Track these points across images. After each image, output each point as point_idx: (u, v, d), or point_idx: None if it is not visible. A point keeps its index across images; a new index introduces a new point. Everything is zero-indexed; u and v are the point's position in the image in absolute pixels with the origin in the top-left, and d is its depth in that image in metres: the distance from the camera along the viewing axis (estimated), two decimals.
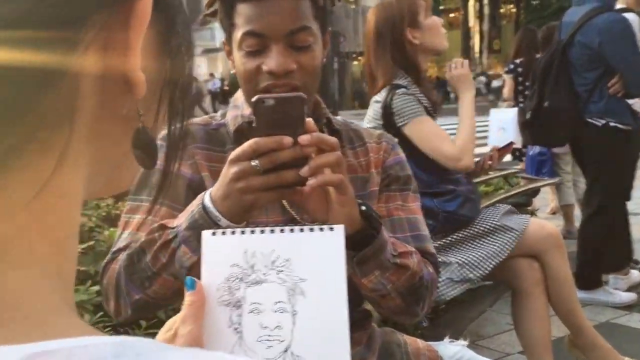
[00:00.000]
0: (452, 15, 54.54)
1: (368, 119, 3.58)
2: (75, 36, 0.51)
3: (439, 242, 3.51)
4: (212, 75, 39.17)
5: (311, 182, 1.42)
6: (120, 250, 1.73)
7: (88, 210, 4.04)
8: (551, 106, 5.06)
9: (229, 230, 1.15)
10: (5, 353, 0.43)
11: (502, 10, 53.65)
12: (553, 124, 5.08)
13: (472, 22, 50.31)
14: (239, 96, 1.93)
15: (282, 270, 1.08)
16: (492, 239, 3.49)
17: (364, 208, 1.58)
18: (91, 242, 3.52)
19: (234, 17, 1.76)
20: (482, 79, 43.55)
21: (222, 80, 38.37)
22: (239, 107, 1.91)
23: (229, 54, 1.85)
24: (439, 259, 3.43)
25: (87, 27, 0.51)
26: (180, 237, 1.54)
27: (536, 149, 7.42)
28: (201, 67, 43.75)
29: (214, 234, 1.14)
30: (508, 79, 7.98)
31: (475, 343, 4.35)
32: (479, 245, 3.50)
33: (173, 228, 1.58)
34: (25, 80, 0.48)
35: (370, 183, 1.93)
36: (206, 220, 1.49)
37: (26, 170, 0.50)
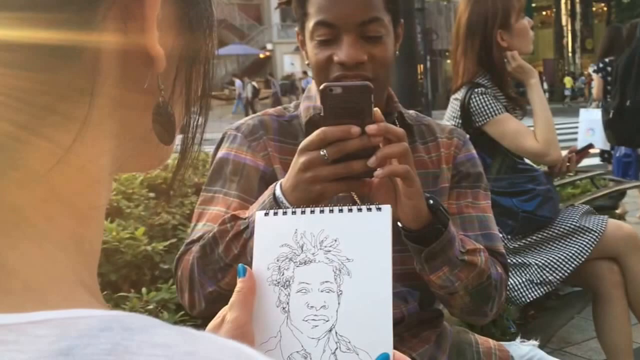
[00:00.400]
0: (544, 13, 53.70)
1: (447, 117, 3.55)
2: (92, 10, 0.52)
3: (518, 243, 3.46)
4: (305, 73, 39.25)
5: (378, 172, 1.41)
6: (193, 242, 1.72)
7: (172, 208, 4.00)
8: (633, 105, 4.94)
9: (280, 211, 1.15)
10: None
11: (593, 9, 52.53)
12: (636, 123, 4.97)
13: (564, 20, 49.36)
14: (312, 87, 1.93)
15: (329, 250, 1.08)
16: (571, 241, 3.42)
17: (431, 202, 1.56)
18: (174, 240, 3.52)
19: (307, 6, 1.78)
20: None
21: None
22: (311, 98, 1.91)
23: (303, 44, 1.87)
24: (518, 261, 3.40)
25: (102, 2, 0.53)
26: (252, 227, 1.50)
27: (622, 150, 7.25)
28: (294, 66, 44.00)
29: (266, 214, 1.14)
30: (597, 79, 7.81)
31: (563, 349, 4.29)
32: (558, 246, 3.44)
33: (245, 219, 1.58)
34: (45, 56, 0.50)
35: (441, 179, 1.91)
36: None
37: (46, 142, 0.52)
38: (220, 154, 1.88)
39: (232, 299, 1.03)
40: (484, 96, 3.36)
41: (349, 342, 1.02)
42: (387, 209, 1.12)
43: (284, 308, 1.06)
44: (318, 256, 1.08)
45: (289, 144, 1.84)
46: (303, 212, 1.13)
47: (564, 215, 3.52)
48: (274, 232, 1.12)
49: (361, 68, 1.72)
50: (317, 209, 1.13)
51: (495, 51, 3.40)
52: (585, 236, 3.41)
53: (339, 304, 1.04)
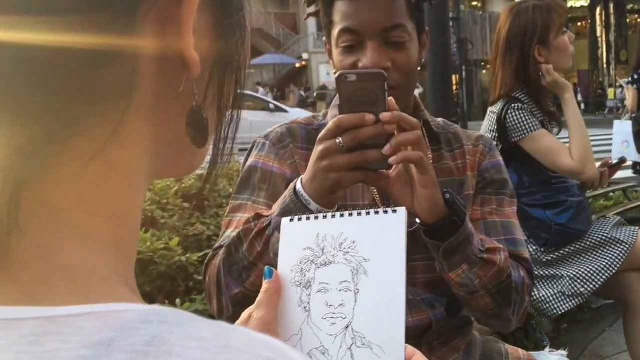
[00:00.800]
0: (579, 24, 53.17)
1: (484, 129, 3.54)
2: (132, 13, 0.54)
3: (550, 256, 3.47)
4: None
5: (392, 159, 1.43)
6: (221, 247, 1.73)
7: (207, 218, 4.04)
8: None
9: (304, 217, 1.21)
10: (39, 312, 0.48)
11: (627, 20, 51.87)
12: None
13: (599, 31, 48.85)
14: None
15: (348, 252, 1.13)
16: (602, 252, 3.42)
17: (448, 196, 1.57)
18: (208, 251, 3.40)
19: (333, 14, 1.80)
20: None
21: None
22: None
23: (330, 53, 1.88)
24: (550, 273, 3.40)
25: (141, 5, 0.55)
26: (274, 223, 1.55)
27: None
28: (330, 75, 43.12)
29: (291, 220, 1.21)
30: (632, 90, 7.74)
31: None
32: (589, 258, 3.43)
33: (267, 216, 1.60)
34: (85, 57, 0.52)
35: (466, 186, 1.91)
36: (297, 205, 1.51)
37: (84, 141, 0.54)
38: (249, 162, 1.91)
39: (258, 299, 1.09)
40: (520, 112, 3.36)
41: (364, 337, 1.07)
42: (402, 210, 1.17)
43: (305, 307, 1.11)
44: (337, 257, 1.13)
45: None
46: (325, 217, 1.19)
47: (595, 227, 3.52)
48: (298, 236, 1.18)
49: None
50: (338, 214, 1.19)
51: (531, 66, 3.40)
52: (616, 248, 3.41)
53: (355, 301, 1.10)
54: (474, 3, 47.90)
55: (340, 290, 1.11)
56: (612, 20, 48.27)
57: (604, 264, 3.39)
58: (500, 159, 2.00)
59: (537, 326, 4.03)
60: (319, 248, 1.15)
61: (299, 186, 1.53)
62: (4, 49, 0.49)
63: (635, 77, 7.53)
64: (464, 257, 1.62)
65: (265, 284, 1.11)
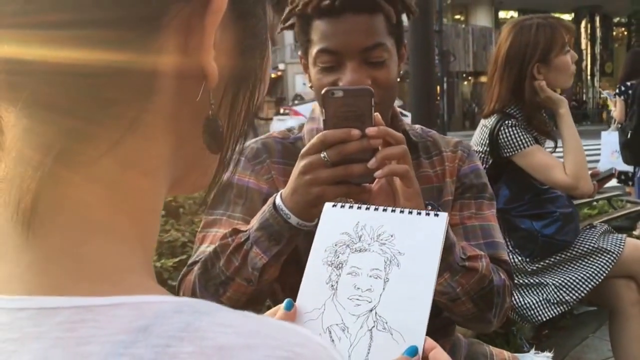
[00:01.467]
0: None
1: (475, 142, 3.54)
2: (156, 21, 0.56)
3: (536, 265, 3.45)
4: None
5: (378, 173, 1.43)
6: (195, 262, 1.73)
7: (181, 225, 4.11)
8: None
9: (347, 205, 1.26)
10: (74, 302, 0.51)
11: (614, 33, 52.77)
12: None
13: (584, 44, 49.56)
14: (316, 108, 1.94)
15: (384, 243, 1.17)
16: (589, 261, 3.41)
17: (430, 208, 1.57)
18: (183, 257, 3.57)
19: (310, 33, 1.77)
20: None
21: None
22: (315, 120, 1.91)
23: (306, 67, 1.85)
24: (535, 280, 3.40)
25: (167, 14, 0.57)
26: (252, 238, 1.56)
27: None
28: (305, 86, 43.75)
29: (334, 205, 1.27)
30: (619, 102, 7.79)
31: None
32: (575, 267, 3.42)
33: (245, 231, 1.59)
34: (107, 65, 0.54)
35: (445, 192, 1.91)
36: (276, 219, 1.52)
37: (103, 140, 0.56)
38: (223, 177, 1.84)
39: None
40: (514, 129, 3.35)
41: (386, 322, 1.10)
42: (443, 215, 1.21)
43: (332, 286, 1.16)
44: (373, 247, 1.18)
45: (292, 165, 1.76)
46: (367, 209, 1.25)
47: (582, 236, 3.51)
48: (337, 221, 1.24)
49: None
50: (381, 207, 1.24)
51: (527, 83, 3.38)
52: (603, 257, 3.38)
53: (383, 289, 1.13)
54: (457, 16, 48.50)
55: (370, 276, 1.15)
56: (598, 33, 49.00)
57: (590, 272, 3.39)
58: (479, 163, 2.00)
59: (517, 332, 4.02)
60: (357, 235, 1.20)
61: (278, 200, 1.54)
62: (35, 61, 0.52)
63: (623, 88, 7.66)
64: (446, 266, 1.60)
65: (281, 314, 1.14)
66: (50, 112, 0.54)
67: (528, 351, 3.63)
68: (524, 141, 3.34)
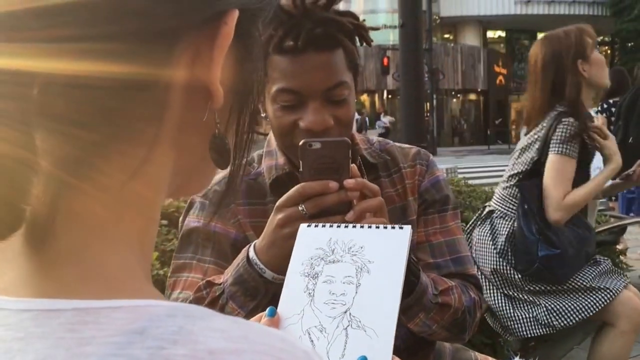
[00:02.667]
0: None
1: (523, 162, 3.48)
2: (171, 48, 0.59)
3: (533, 287, 3.41)
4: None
5: None
6: None
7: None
8: (636, 142, 4.97)
9: (321, 224, 1.33)
10: (75, 304, 0.53)
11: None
12: (636, 160, 5.02)
13: None
14: (272, 141, 1.87)
15: (355, 254, 1.25)
16: (584, 295, 3.36)
17: None
18: None
19: (267, 67, 1.68)
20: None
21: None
22: (273, 155, 1.84)
23: (259, 97, 1.78)
24: (529, 299, 3.35)
25: (181, 41, 0.60)
26: (227, 292, 1.54)
27: None
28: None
29: (309, 226, 1.33)
30: (601, 119, 7.82)
31: None
32: (570, 297, 3.38)
33: (220, 284, 1.57)
34: (125, 83, 0.56)
35: (409, 212, 1.87)
36: (250, 274, 1.50)
37: (121, 158, 0.59)
38: (188, 221, 1.82)
39: None
40: (570, 128, 3.31)
41: (360, 321, 1.17)
42: (407, 227, 1.29)
43: (309, 293, 1.23)
44: (345, 258, 1.26)
45: (258, 204, 1.80)
46: (339, 227, 1.32)
47: (582, 272, 3.42)
48: (312, 238, 1.31)
49: (327, 133, 1.66)
50: (350, 225, 1.32)
51: (569, 80, 3.39)
52: (599, 294, 3.33)
53: (356, 292, 1.21)
54: (446, 35, 48.40)
55: (343, 283, 1.22)
56: None
57: (583, 305, 3.35)
58: (440, 173, 1.96)
59: (505, 343, 4.02)
60: (330, 249, 1.28)
61: (252, 254, 1.52)
62: (54, 73, 0.54)
63: (605, 106, 7.64)
64: (420, 308, 1.61)
65: (265, 322, 1.19)
66: (68, 125, 0.56)
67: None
68: (567, 148, 3.30)
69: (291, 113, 1.68)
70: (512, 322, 3.45)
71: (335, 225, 1.32)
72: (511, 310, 3.47)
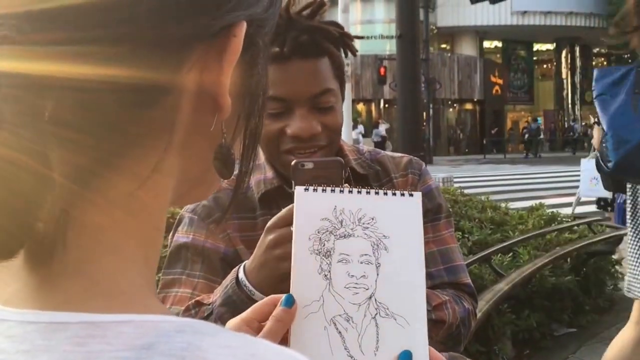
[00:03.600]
0: (545, 66, 54.09)
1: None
2: (182, 60, 0.58)
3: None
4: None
5: None
6: None
7: None
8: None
9: (320, 188, 1.18)
10: (82, 318, 0.52)
11: (593, 63, 52.97)
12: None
13: (564, 73, 49.79)
14: (260, 155, 1.84)
15: (367, 227, 1.12)
16: None
17: None
18: None
19: None
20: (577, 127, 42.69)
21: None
22: (261, 169, 1.82)
23: None
24: None
25: (192, 53, 0.59)
26: (216, 313, 1.51)
27: (622, 197, 7.31)
28: None
29: (306, 189, 1.18)
30: (598, 130, 7.81)
31: None
32: None
33: (209, 304, 1.55)
34: (134, 94, 0.56)
35: None
36: (239, 296, 1.47)
37: (128, 171, 0.58)
38: (177, 237, 1.80)
39: (268, 326, 1.04)
40: None
41: (387, 308, 1.07)
42: (418, 195, 1.16)
43: (325, 275, 1.10)
44: (357, 231, 1.12)
45: (247, 218, 1.78)
46: (342, 191, 1.17)
47: None
48: (314, 206, 1.16)
49: (315, 139, 1.67)
50: (355, 190, 1.16)
51: None
52: None
53: (377, 274, 1.09)
54: (443, 45, 48.46)
55: (361, 263, 1.10)
56: (578, 62, 49.21)
57: None
58: (432, 182, 1.93)
59: (499, 351, 4.03)
60: (337, 220, 1.14)
61: (241, 275, 1.48)
62: (58, 79, 0.52)
63: None
64: None
65: (281, 312, 1.05)
66: (79, 134, 0.55)
67: None
68: None
69: (278, 121, 1.67)
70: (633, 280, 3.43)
71: (337, 189, 1.17)
72: (634, 267, 3.43)
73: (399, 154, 1.98)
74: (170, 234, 1.83)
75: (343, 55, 1.78)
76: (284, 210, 1.40)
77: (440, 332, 1.65)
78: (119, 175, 0.57)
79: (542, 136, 41.82)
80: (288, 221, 1.37)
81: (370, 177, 1.86)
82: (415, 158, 1.96)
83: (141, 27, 0.55)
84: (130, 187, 0.58)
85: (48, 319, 0.52)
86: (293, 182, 1.36)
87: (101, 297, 0.55)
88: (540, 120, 43.78)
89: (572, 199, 11.43)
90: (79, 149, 0.55)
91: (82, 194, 0.56)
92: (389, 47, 33.67)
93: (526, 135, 41.71)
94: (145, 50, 0.55)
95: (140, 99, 0.56)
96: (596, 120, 7.62)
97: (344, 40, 1.74)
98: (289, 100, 1.65)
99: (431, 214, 1.86)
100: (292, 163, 1.39)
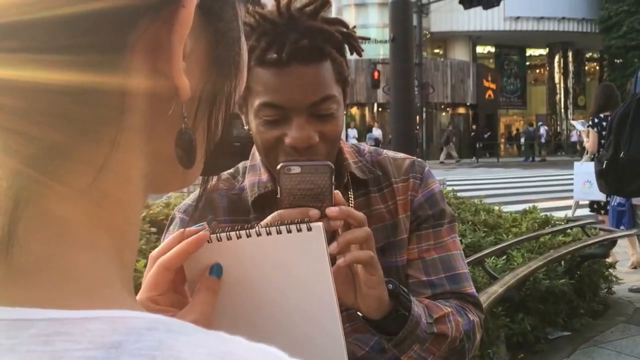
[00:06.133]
0: (537, 71, 54.31)
1: None
2: (123, 38, 0.54)
3: None
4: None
5: (340, 261, 1.28)
6: None
7: None
8: (627, 156, 4.98)
9: (214, 237, 1.07)
10: (48, 314, 0.49)
11: (586, 68, 53.29)
12: (628, 174, 5.00)
13: (557, 78, 50.04)
14: (256, 155, 1.77)
15: (273, 270, 1.06)
16: None
17: (391, 287, 1.42)
18: None
19: (251, 80, 1.56)
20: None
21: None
22: (256, 170, 1.76)
23: (241, 109, 1.68)
24: None
25: (134, 30, 0.54)
26: None
27: (616, 200, 7.33)
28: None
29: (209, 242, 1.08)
30: (592, 133, 7.84)
31: None
32: None
33: None
34: (81, 78, 0.52)
35: (399, 230, 1.75)
36: None
37: (83, 159, 0.54)
38: (168, 237, 1.69)
39: (193, 301, 1.01)
40: None
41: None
42: (318, 227, 1.07)
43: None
44: (261, 276, 1.06)
45: (240, 221, 1.65)
46: (239, 237, 1.07)
47: None
48: (213, 256, 1.07)
49: (312, 149, 1.56)
50: (254, 232, 1.07)
51: None
52: None
53: (289, 318, 1.05)
54: (436, 50, 48.72)
55: (271, 306, 1.06)
56: (571, 67, 49.51)
57: None
58: (435, 186, 1.83)
59: (494, 355, 4.00)
60: (241, 268, 1.06)
61: None
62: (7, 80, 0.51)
63: (596, 120, 7.70)
64: (414, 340, 1.49)
65: (207, 281, 1.01)
66: (31, 126, 0.53)
67: None
68: None
69: (275, 128, 1.57)
70: None
71: (234, 234, 1.07)
72: None
73: (402, 155, 1.88)
74: (163, 235, 1.78)
75: (348, 53, 1.68)
76: (269, 218, 1.29)
77: (443, 347, 1.56)
78: (75, 163, 0.54)
79: (543, 140, 41.90)
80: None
81: (370, 182, 1.78)
82: (418, 160, 1.87)
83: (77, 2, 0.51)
84: (88, 176, 0.54)
85: (12, 315, 0.49)
86: (278, 187, 1.30)
87: (69, 292, 0.52)
88: (541, 123, 43.84)
89: (564, 203, 11.43)
90: (27, 138, 0.52)
91: (38, 185, 0.53)
92: (383, 52, 33.79)
93: (522, 139, 42.00)
94: (83, 29, 0.52)
95: (83, 83, 0.52)
96: (590, 124, 7.66)
97: (349, 41, 1.64)
98: (287, 107, 1.55)
99: (433, 220, 1.77)
100: (278, 167, 1.31)
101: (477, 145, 40.81)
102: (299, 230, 1.07)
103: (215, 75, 0.64)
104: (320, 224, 1.08)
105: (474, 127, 43.14)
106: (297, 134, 1.54)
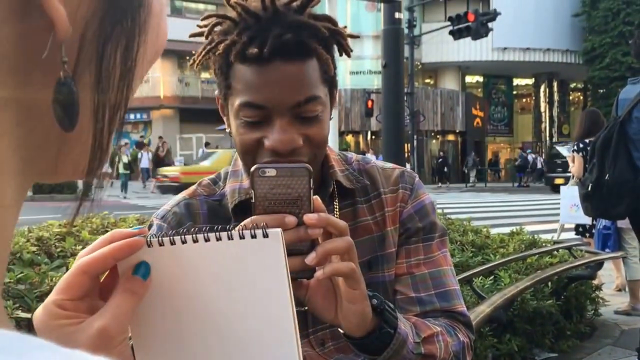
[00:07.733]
0: (524, 100, 54.67)
1: None
2: None
3: None
4: None
5: (319, 273, 1.16)
6: None
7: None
8: (612, 179, 4.90)
9: (167, 240, 0.91)
10: None
11: (570, 97, 53.75)
12: (613, 197, 4.92)
13: (543, 107, 50.42)
14: (239, 160, 1.63)
15: (228, 279, 0.91)
16: None
17: (375, 302, 1.29)
18: None
19: (231, 77, 1.45)
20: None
21: None
22: (238, 176, 1.63)
23: (223, 110, 1.55)
24: None
25: None
26: None
27: (602, 223, 7.31)
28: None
29: (155, 244, 0.92)
30: (577, 158, 7.80)
31: None
32: None
33: None
34: None
35: (387, 243, 1.62)
36: None
37: None
38: None
39: (108, 304, 0.82)
40: None
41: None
42: (276, 233, 0.92)
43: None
44: (205, 288, 0.91)
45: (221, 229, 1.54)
46: (196, 241, 0.92)
47: None
48: (164, 262, 0.92)
49: (296, 153, 1.42)
50: (201, 237, 0.92)
51: None
52: None
53: (244, 329, 0.91)
54: (427, 80, 49.08)
55: (223, 315, 0.91)
56: (556, 97, 49.94)
57: None
58: (425, 197, 1.69)
59: None
60: (182, 276, 0.92)
61: None
62: None
63: (581, 145, 7.71)
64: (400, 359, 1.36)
65: (128, 282, 0.84)
66: None
67: None
68: None
69: (256, 130, 1.43)
70: None
71: (190, 238, 0.92)
72: None
73: (390, 165, 1.74)
74: None
75: (337, 54, 1.52)
76: (243, 223, 1.12)
77: None
78: None
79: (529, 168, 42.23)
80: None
81: (357, 191, 1.64)
82: (408, 170, 1.72)
83: None
84: None
85: None
86: (252, 191, 1.15)
87: None
88: (530, 151, 44.20)
89: (550, 226, 11.38)
90: None
91: None
92: (377, 82, 34.01)
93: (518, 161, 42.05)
94: None
95: None
96: (575, 148, 7.62)
97: (337, 39, 1.48)
98: (268, 108, 1.40)
99: (423, 233, 1.64)
100: (252, 169, 1.16)
101: (465, 172, 41.02)
102: (254, 236, 0.91)
103: (107, 10, 0.48)
104: (279, 230, 0.92)
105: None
106: (279, 137, 1.40)
